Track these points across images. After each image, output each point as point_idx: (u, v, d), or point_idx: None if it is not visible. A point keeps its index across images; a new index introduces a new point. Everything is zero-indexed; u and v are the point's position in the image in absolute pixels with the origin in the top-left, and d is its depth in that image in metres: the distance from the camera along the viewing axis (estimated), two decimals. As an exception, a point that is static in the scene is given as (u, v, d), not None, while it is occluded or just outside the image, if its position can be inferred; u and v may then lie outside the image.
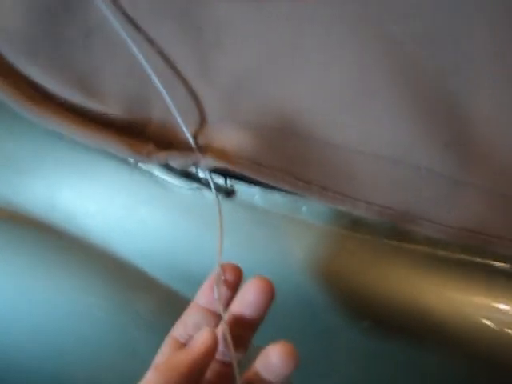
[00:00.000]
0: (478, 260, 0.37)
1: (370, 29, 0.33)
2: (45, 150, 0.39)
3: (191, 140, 0.35)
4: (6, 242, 0.40)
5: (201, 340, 0.26)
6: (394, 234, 0.37)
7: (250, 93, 0.35)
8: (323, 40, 0.34)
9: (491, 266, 0.37)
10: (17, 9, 0.35)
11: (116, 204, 0.39)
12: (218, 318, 0.29)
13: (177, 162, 0.35)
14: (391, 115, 0.34)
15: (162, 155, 0.34)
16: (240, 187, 0.37)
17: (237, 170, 0.34)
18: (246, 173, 0.34)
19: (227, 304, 0.29)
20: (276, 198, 0.37)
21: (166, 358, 0.27)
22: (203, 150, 0.35)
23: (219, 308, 0.28)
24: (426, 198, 0.35)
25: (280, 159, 0.35)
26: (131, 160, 0.36)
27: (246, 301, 0.27)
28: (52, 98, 0.36)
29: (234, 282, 0.29)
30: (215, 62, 0.35)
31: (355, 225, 0.37)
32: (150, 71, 0.34)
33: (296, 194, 0.35)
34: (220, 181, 0.37)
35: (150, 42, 0.35)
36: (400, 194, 0.35)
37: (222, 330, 0.28)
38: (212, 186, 0.35)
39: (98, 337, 0.43)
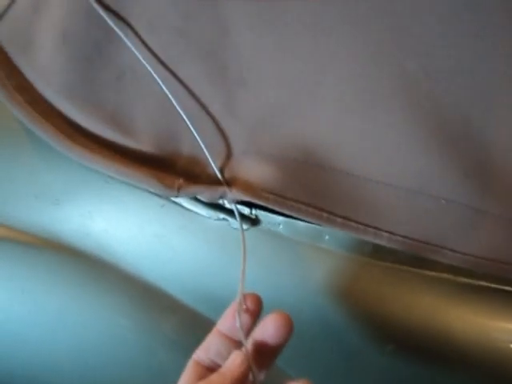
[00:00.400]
0: (500, 286, 0.37)
1: (386, 66, 0.34)
2: (80, 180, 0.42)
3: (218, 174, 0.36)
4: (43, 269, 0.43)
5: (235, 365, 0.28)
6: (416, 261, 0.38)
7: (273, 127, 0.37)
8: (342, 76, 0.35)
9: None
10: (57, 55, 0.38)
11: (147, 232, 0.41)
12: (238, 344, 0.30)
13: (205, 195, 0.36)
14: (410, 147, 0.35)
15: (191, 189, 0.36)
16: (264, 216, 0.39)
17: (262, 203, 0.35)
18: (271, 206, 0.35)
19: (248, 331, 0.30)
20: (299, 227, 0.38)
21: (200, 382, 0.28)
22: (229, 182, 0.37)
23: (241, 336, 0.29)
24: (446, 228, 0.35)
25: (303, 191, 0.36)
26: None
27: (267, 333, 0.29)
28: (88, 136, 0.38)
29: (254, 311, 0.31)
30: (240, 99, 0.37)
31: (377, 253, 0.38)
32: (179, 108, 0.36)
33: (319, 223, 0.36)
34: (245, 210, 0.39)
35: (180, 81, 0.37)
36: (421, 225, 0.36)
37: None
38: (237, 217, 0.37)
39: (127, 357, 0.45)
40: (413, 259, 0.38)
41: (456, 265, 0.35)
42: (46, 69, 0.39)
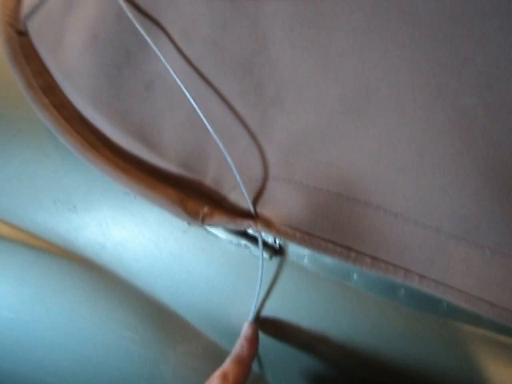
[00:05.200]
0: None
1: (440, 98, 0.31)
2: (99, 188, 0.40)
3: (249, 203, 0.34)
4: (55, 277, 0.41)
5: None
6: (451, 312, 0.35)
7: (309, 153, 0.34)
8: (390, 105, 0.32)
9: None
10: (86, 58, 0.36)
11: (163, 251, 0.39)
12: None
13: (229, 226, 0.34)
14: (458, 188, 0.32)
15: (216, 220, 0.34)
16: (290, 247, 0.36)
17: (288, 239, 0.33)
18: (297, 243, 0.33)
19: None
20: (326, 262, 0.35)
21: None
22: (256, 213, 0.35)
23: None
24: (487, 279, 0.32)
25: (333, 227, 0.33)
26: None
27: None
28: (112, 147, 0.36)
29: None
30: (275, 119, 0.34)
31: (408, 298, 0.35)
32: (207, 124, 0.34)
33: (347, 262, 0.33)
34: (270, 239, 0.36)
35: (211, 95, 0.34)
36: (458, 272, 0.32)
37: None
38: (260, 246, 0.35)
39: (130, 370, 0.44)
40: (449, 310, 0.34)
41: (493, 319, 0.32)
42: (73, 71, 0.37)
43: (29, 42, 0.40)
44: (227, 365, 0.34)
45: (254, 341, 0.36)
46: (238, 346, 0.35)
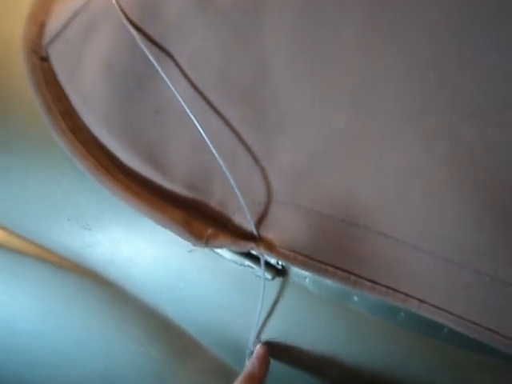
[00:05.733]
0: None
1: (438, 128, 0.31)
2: (111, 208, 0.42)
3: (252, 225, 0.35)
4: (67, 292, 0.43)
5: None
6: (452, 337, 0.35)
7: (311, 179, 0.35)
8: (389, 133, 0.33)
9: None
10: (100, 84, 0.38)
11: (170, 267, 0.40)
12: None
13: (232, 248, 0.35)
14: (457, 217, 0.32)
15: (219, 242, 0.35)
16: (292, 268, 0.37)
17: (289, 263, 0.34)
18: (298, 266, 0.34)
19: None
20: (327, 283, 0.36)
21: None
22: (259, 235, 0.36)
23: None
24: (486, 306, 0.32)
25: (334, 251, 0.34)
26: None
27: None
28: (124, 170, 0.38)
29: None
30: (277, 145, 0.35)
31: (408, 322, 0.35)
32: (212, 148, 0.35)
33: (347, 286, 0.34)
34: (272, 260, 0.37)
35: (216, 121, 0.36)
36: (457, 298, 0.33)
37: None
38: (262, 267, 0.36)
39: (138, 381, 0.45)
40: (454, 337, 0.35)
41: (493, 346, 0.32)
42: (89, 97, 0.39)
43: (50, 67, 0.43)
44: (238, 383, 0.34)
45: (265, 361, 0.36)
46: (250, 366, 0.35)
